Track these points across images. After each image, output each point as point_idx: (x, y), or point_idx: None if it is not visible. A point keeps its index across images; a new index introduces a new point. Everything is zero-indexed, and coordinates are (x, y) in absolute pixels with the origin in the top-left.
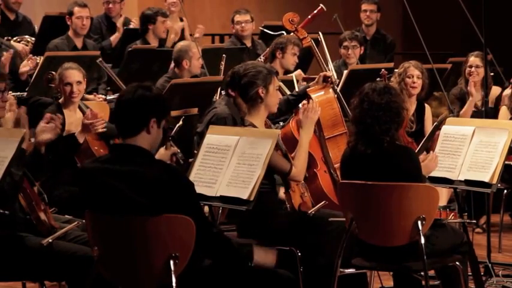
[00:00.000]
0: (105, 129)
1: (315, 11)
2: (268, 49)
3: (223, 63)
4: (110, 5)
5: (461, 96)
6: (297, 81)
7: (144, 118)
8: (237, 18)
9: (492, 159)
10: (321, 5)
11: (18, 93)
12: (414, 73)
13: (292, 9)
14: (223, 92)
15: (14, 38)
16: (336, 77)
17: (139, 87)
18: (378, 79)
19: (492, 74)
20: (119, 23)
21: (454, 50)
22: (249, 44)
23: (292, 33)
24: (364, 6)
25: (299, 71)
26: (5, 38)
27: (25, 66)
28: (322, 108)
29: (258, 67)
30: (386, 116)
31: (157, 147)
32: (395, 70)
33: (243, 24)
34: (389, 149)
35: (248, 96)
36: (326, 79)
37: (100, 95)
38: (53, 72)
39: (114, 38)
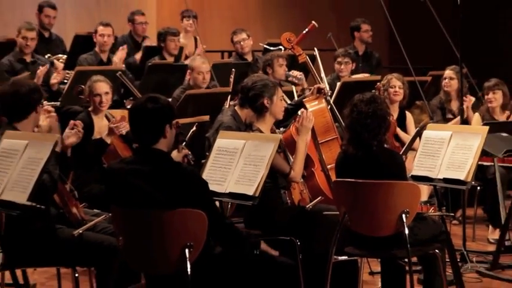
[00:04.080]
0: (127, 130)
1: (308, 28)
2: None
3: (232, 76)
4: (137, 25)
5: (441, 105)
6: (295, 84)
7: (160, 128)
8: (235, 38)
9: (467, 160)
10: (313, 21)
11: (52, 102)
12: (396, 84)
13: (292, 28)
14: (231, 102)
15: (47, 55)
16: (328, 88)
17: (147, 101)
18: (373, 91)
19: (467, 85)
20: (144, 42)
21: (434, 64)
22: (250, 58)
23: (289, 50)
24: (365, 27)
25: (298, 72)
26: (46, 55)
27: (55, 79)
28: (316, 117)
29: (264, 80)
30: (374, 122)
31: (172, 145)
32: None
33: (241, 43)
34: (378, 152)
35: (255, 106)
36: (320, 91)
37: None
38: (83, 86)
39: (139, 57)
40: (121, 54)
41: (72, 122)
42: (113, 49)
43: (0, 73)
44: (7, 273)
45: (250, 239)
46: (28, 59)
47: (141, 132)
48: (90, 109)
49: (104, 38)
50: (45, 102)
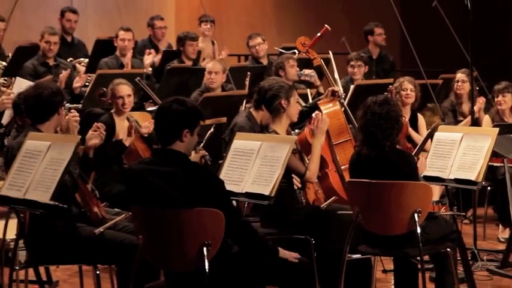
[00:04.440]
0: (148, 132)
1: (321, 31)
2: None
3: (248, 79)
4: (156, 30)
5: (452, 107)
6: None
7: (177, 130)
8: (251, 42)
9: (478, 161)
10: (326, 25)
11: (75, 105)
12: (408, 87)
13: (307, 32)
14: (247, 105)
15: (70, 59)
16: (342, 91)
17: (174, 102)
18: (385, 93)
19: (477, 88)
20: (163, 45)
21: (444, 67)
22: (265, 62)
23: (304, 54)
24: (379, 30)
25: (309, 70)
26: (69, 59)
27: (77, 82)
28: (330, 119)
29: (281, 82)
30: (387, 123)
31: (191, 150)
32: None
33: (256, 47)
34: (390, 153)
35: (272, 107)
36: (334, 93)
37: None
38: (104, 89)
39: (157, 60)
40: (150, 58)
41: (95, 124)
42: (133, 53)
43: (24, 76)
44: (31, 270)
45: (267, 242)
46: (51, 62)
47: (159, 131)
48: (112, 111)
49: (124, 42)
50: (68, 106)
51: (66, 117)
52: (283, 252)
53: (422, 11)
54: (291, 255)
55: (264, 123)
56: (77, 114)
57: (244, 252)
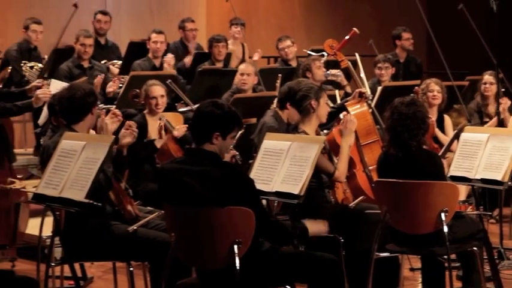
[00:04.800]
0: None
1: (349, 34)
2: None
3: (278, 81)
4: (187, 32)
5: (478, 109)
6: (335, 82)
7: (206, 133)
8: (280, 45)
9: (504, 161)
10: (354, 28)
11: (108, 106)
12: (435, 88)
13: (335, 34)
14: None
15: (103, 61)
16: (369, 92)
17: (211, 104)
18: (412, 94)
19: (503, 90)
20: (193, 47)
21: (471, 69)
22: (294, 64)
23: (332, 56)
24: (406, 35)
25: (335, 70)
26: (102, 61)
27: (111, 87)
28: (358, 119)
29: (310, 84)
30: (413, 123)
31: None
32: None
33: (286, 50)
34: (417, 153)
35: (302, 107)
36: (361, 95)
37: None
38: (137, 90)
39: (188, 60)
40: (170, 60)
41: (127, 122)
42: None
43: (59, 78)
44: (66, 267)
45: (296, 231)
46: (86, 64)
47: (193, 131)
48: (145, 111)
49: (157, 44)
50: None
51: (105, 118)
52: (313, 230)
53: (449, 14)
54: (321, 231)
55: (291, 123)
56: (120, 114)
57: (275, 250)
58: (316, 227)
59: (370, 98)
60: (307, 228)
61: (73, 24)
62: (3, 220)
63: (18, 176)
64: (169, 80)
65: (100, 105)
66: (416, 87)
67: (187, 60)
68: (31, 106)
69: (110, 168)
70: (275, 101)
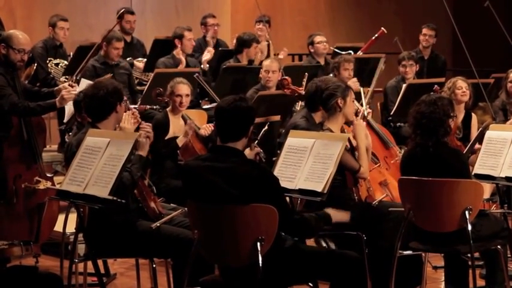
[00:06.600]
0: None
1: (377, 34)
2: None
3: (305, 79)
4: (209, 27)
5: (503, 106)
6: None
7: (246, 127)
8: (318, 39)
9: None
10: (382, 28)
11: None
12: (463, 85)
13: (359, 32)
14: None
15: (129, 58)
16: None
17: (238, 99)
18: (431, 93)
19: None
20: (212, 42)
21: (496, 66)
22: (322, 61)
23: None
24: (424, 31)
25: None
26: (128, 59)
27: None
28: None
29: (337, 82)
30: (429, 123)
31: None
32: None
33: (324, 43)
34: (441, 151)
35: (328, 105)
36: (357, 114)
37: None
38: (161, 89)
39: (207, 58)
40: (208, 55)
41: (141, 124)
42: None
43: (85, 76)
44: (89, 263)
45: (319, 221)
46: (111, 62)
47: (225, 128)
48: (168, 109)
49: (192, 42)
50: (132, 107)
51: (133, 121)
52: (336, 218)
53: (475, 11)
54: (343, 219)
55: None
56: (138, 116)
57: (297, 247)
58: (339, 214)
59: (366, 113)
60: (329, 215)
61: (99, 22)
62: (29, 218)
63: (48, 175)
64: (197, 74)
65: (132, 108)
66: (436, 86)
67: (206, 57)
68: (55, 106)
69: (139, 172)
70: (299, 102)
